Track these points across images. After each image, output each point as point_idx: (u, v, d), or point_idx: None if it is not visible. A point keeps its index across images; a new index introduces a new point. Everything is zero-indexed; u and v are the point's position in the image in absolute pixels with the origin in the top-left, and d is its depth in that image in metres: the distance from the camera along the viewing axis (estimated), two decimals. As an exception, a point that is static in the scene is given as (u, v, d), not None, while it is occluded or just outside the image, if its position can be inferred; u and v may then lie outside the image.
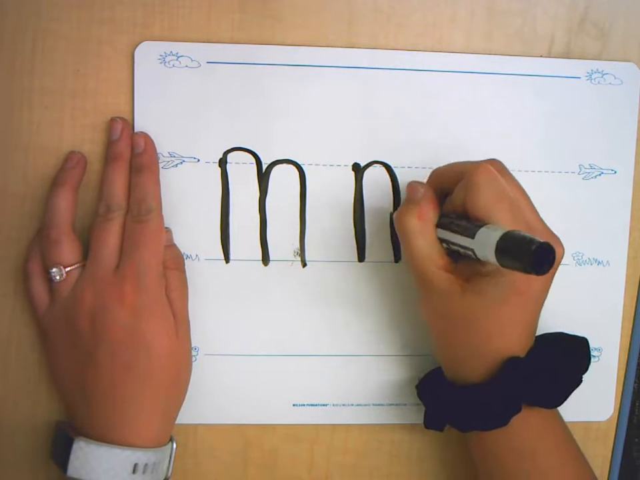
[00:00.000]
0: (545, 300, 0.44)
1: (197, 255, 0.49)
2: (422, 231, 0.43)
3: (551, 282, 0.43)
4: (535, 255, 0.36)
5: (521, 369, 0.43)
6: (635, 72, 0.50)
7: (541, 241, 0.36)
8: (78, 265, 0.46)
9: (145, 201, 0.45)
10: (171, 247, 0.48)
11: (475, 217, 0.41)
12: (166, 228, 0.47)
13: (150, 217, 0.45)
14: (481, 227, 0.40)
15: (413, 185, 0.44)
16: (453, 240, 0.42)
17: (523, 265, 0.36)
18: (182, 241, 0.49)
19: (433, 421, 0.48)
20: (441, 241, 0.44)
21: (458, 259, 0.44)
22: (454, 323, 0.44)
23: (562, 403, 0.44)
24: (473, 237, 0.40)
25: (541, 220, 0.44)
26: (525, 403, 0.43)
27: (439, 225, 0.44)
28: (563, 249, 0.43)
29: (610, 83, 0.50)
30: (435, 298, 0.44)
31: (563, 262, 0.44)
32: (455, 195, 0.43)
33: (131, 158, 0.47)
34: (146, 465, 0.44)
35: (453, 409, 0.45)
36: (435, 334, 0.46)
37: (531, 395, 0.43)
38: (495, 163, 0.43)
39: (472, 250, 0.40)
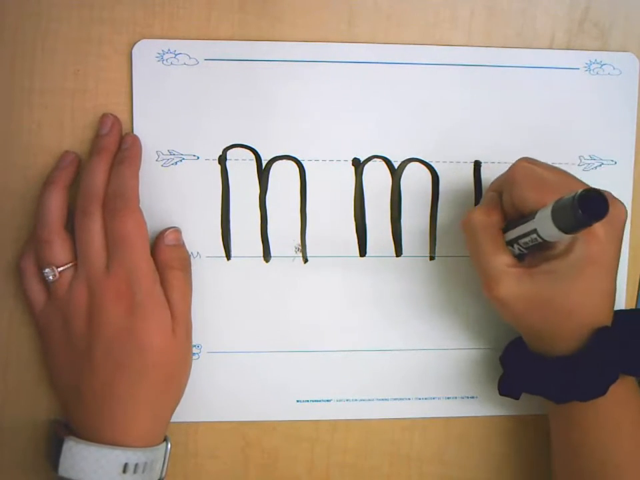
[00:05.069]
0: (618, 266, 0.44)
1: (198, 253, 0.49)
2: (487, 227, 0.44)
3: (620, 246, 0.43)
4: (582, 201, 0.37)
5: (613, 338, 0.43)
6: (633, 62, 0.50)
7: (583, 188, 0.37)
8: (70, 264, 0.45)
9: (121, 195, 0.45)
10: (178, 247, 0.48)
11: (525, 211, 0.43)
12: (174, 228, 0.48)
13: (126, 213, 0.44)
14: (537, 211, 0.41)
15: (488, 194, 0.47)
16: (517, 233, 0.43)
17: (579, 216, 0.37)
18: (182, 238, 0.48)
19: (512, 389, 0.48)
20: (508, 244, 0.44)
21: (522, 257, 0.44)
22: (533, 310, 0.44)
23: None
24: (533, 219, 0.41)
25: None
26: (622, 372, 0.44)
27: (505, 231, 0.45)
28: (625, 209, 0.43)
29: (609, 74, 0.50)
30: (504, 292, 0.43)
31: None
32: (503, 201, 0.45)
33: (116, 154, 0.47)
34: (136, 464, 0.44)
35: (546, 381, 0.45)
36: (516, 323, 0.46)
37: (624, 363, 0.44)
38: (525, 158, 0.45)
39: (535, 231, 0.41)
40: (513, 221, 0.44)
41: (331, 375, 0.50)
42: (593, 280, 0.43)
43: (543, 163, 0.45)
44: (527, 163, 0.44)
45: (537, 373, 0.45)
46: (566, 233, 0.39)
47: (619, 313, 0.45)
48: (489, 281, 0.44)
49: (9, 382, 0.49)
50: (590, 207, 0.37)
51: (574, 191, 0.38)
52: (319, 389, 0.50)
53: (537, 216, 0.41)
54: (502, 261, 0.43)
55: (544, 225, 0.40)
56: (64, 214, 0.46)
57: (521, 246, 0.43)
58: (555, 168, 0.45)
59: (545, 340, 0.45)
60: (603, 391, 0.43)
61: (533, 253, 0.43)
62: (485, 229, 0.44)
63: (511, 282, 0.43)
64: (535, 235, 0.41)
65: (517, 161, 0.44)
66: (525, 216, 0.43)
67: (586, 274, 0.42)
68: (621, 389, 0.44)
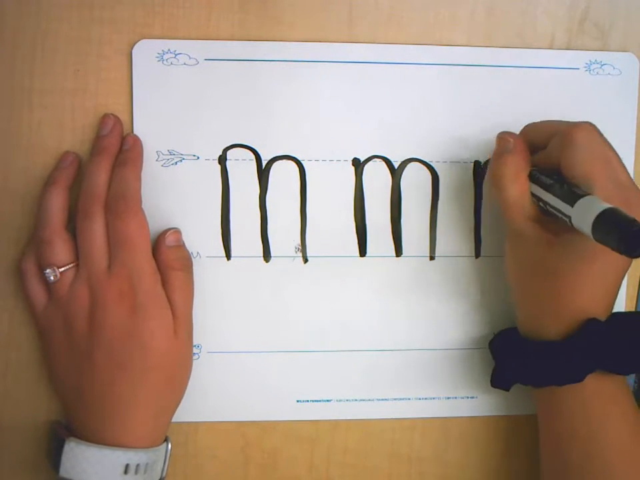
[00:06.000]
0: (629, 266, 0.44)
1: (198, 253, 0.49)
2: (515, 178, 0.44)
3: None
4: (632, 238, 0.35)
5: (601, 330, 0.43)
6: (633, 62, 0.50)
7: None
8: (72, 265, 0.45)
9: (123, 196, 0.45)
10: (179, 247, 0.48)
11: (569, 174, 0.42)
12: (174, 229, 0.48)
13: (129, 214, 0.45)
14: (581, 196, 0.40)
15: (502, 136, 0.46)
16: (548, 200, 0.42)
17: (618, 245, 0.36)
18: (183, 239, 0.48)
19: (501, 379, 0.48)
20: (533, 195, 0.44)
21: (546, 213, 0.44)
22: (538, 277, 0.44)
23: (637, 371, 0.45)
24: (572, 205, 0.40)
25: (633, 182, 0.43)
26: (602, 366, 0.44)
27: (531, 179, 0.44)
28: None
29: (609, 74, 0.50)
30: (522, 248, 0.45)
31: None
32: (550, 150, 0.44)
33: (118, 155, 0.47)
34: (138, 465, 0.44)
35: (528, 364, 0.45)
36: (516, 288, 0.46)
37: (609, 359, 0.44)
38: (590, 123, 0.44)
39: (568, 217, 0.40)
40: (545, 174, 0.43)
41: (331, 374, 0.50)
42: (603, 268, 0.43)
43: (601, 132, 0.44)
44: (592, 127, 0.43)
45: (522, 356, 0.46)
46: (597, 241, 0.38)
47: (616, 315, 0.45)
48: (512, 232, 0.45)
49: (9, 382, 0.49)
50: (634, 241, 0.35)
51: (621, 211, 0.37)
52: (319, 389, 0.50)
53: (577, 207, 0.39)
54: (528, 215, 0.44)
55: (580, 220, 0.39)
56: (65, 214, 0.46)
57: (545, 207, 0.43)
58: (610, 144, 0.43)
59: (538, 319, 0.45)
60: (579, 378, 0.43)
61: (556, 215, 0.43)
62: (513, 181, 0.44)
63: (533, 237, 0.44)
64: (567, 219, 0.40)
65: (581, 123, 0.43)
66: (558, 174, 0.42)
67: (599, 260, 0.42)
68: (610, 385, 0.44)
